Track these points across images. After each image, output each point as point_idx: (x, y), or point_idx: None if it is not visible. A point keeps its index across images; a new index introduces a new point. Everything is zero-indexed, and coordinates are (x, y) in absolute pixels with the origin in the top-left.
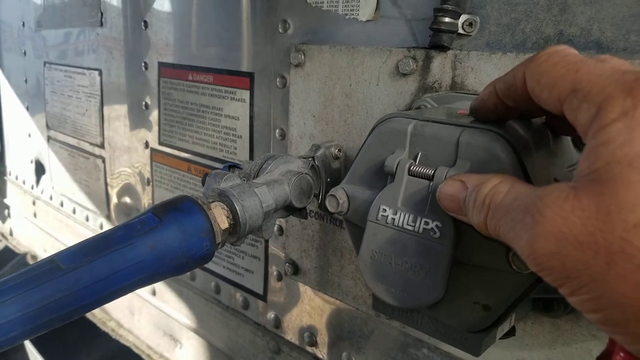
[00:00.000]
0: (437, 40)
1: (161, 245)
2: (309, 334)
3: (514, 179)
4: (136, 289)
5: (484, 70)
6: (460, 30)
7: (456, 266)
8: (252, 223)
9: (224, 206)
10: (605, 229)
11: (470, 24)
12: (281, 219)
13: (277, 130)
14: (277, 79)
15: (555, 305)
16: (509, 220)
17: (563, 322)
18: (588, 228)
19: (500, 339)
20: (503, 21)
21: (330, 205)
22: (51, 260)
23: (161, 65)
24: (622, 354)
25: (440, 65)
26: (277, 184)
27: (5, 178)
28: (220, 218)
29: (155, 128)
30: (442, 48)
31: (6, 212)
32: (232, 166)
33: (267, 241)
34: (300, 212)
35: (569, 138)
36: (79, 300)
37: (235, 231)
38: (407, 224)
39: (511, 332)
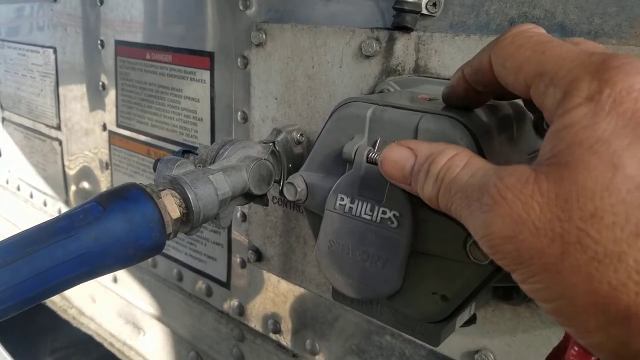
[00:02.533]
0: (400, 21)
1: (105, 236)
2: (273, 322)
3: (469, 152)
4: (81, 282)
5: (447, 53)
6: (424, 11)
7: (414, 256)
8: (206, 212)
9: (176, 194)
10: (563, 217)
11: (434, 4)
12: (244, 206)
13: (239, 113)
14: (238, 59)
15: (515, 293)
16: (464, 198)
17: (523, 309)
18: (546, 214)
19: (461, 327)
20: (467, 1)
21: (288, 194)
22: None
23: (118, 43)
24: (576, 348)
25: (404, 47)
26: (234, 170)
27: None
28: (172, 207)
29: (113, 109)
30: (406, 29)
31: None
32: (187, 152)
33: (229, 228)
34: (261, 199)
35: (530, 124)
36: (17, 295)
37: (189, 220)
38: (365, 213)
39: (472, 320)
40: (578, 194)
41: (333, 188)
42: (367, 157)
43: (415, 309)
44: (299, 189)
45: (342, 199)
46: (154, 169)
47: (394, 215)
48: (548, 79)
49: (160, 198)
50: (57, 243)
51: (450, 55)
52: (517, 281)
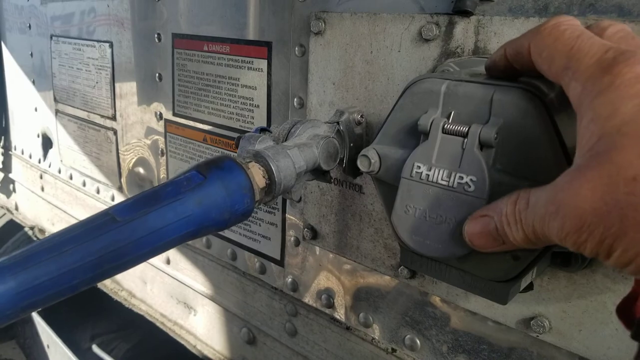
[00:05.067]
0: (460, 6)
1: (207, 200)
2: (327, 296)
3: (526, 188)
4: (184, 241)
5: (506, 35)
6: None
7: None
8: (286, 183)
9: (260, 166)
10: (611, 190)
11: None
12: None
13: (296, 99)
14: (296, 48)
15: (573, 260)
16: (539, 219)
17: (579, 276)
18: (597, 194)
19: (520, 292)
20: None
21: (362, 165)
22: (106, 213)
23: (175, 36)
24: None
25: (463, 31)
26: (306, 147)
27: (10, 153)
28: (258, 177)
29: (170, 99)
30: (466, 13)
31: (11, 186)
32: (264, 129)
33: (284, 208)
34: (325, 176)
35: None
36: (134, 250)
37: (271, 190)
38: (442, 179)
39: (530, 287)
40: (618, 168)
41: (409, 157)
42: (443, 128)
43: (487, 270)
44: (372, 161)
45: (419, 167)
46: (236, 145)
47: (470, 179)
48: (572, 72)
49: (249, 169)
50: (167, 206)
51: (510, 36)
52: (603, 260)
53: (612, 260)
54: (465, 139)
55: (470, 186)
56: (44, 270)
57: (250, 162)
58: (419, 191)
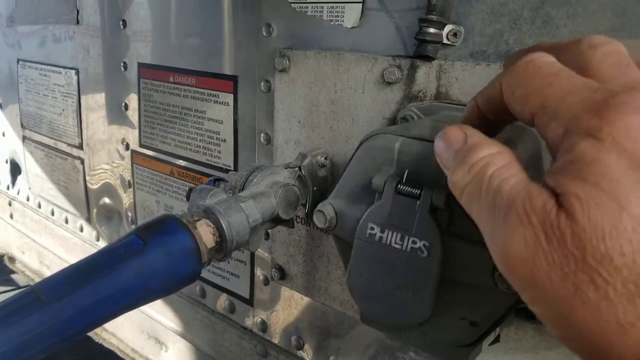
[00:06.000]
0: (422, 50)
1: (146, 269)
2: (296, 337)
3: (512, 155)
4: (122, 314)
5: (468, 81)
6: (445, 40)
7: (443, 284)
8: (239, 239)
9: (210, 223)
10: (578, 256)
11: (455, 34)
12: None
13: (262, 135)
14: (262, 83)
15: None
16: (491, 204)
17: (545, 327)
18: (563, 250)
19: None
20: (487, 32)
21: (318, 221)
22: (32, 291)
23: (141, 65)
24: None
25: (425, 75)
26: (263, 196)
27: None
28: (207, 236)
29: (136, 130)
30: (427, 58)
31: None
32: (218, 180)
33: None
34: (287, 222)
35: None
36: (63, 331)
37: (222, 248)
38: (395, 243)
39: (496, 340)
40: (591, 233)
41: (363, 217)
42: (397, 189)
43: (444, 335)
44: (328, 217)
45: (373, 228)
46: (187, 198)
47: (423, 245)
48: (551, 112)
49: (196, 228)
50: (100, 279)
51: (471, 82)
52: (526, 301)
53: (538, 311)
54: (418, 202)
55: (423, 251)
56: None
57: (198, 220)
58: (373, 254)
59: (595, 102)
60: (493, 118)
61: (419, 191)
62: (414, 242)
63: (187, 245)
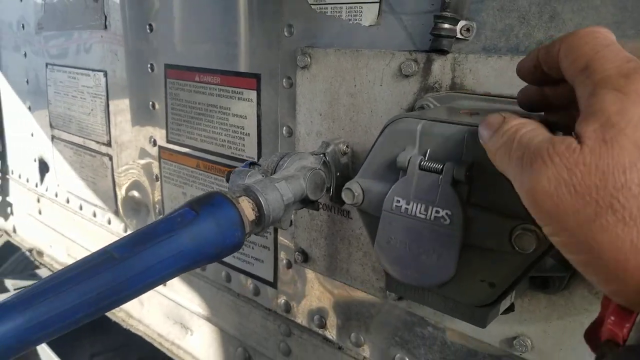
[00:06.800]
0: (437, 45)
1: (199, 236)
2: (319, 317)
3: (539, 124)
4: (178, 275)
5: (481, 72)
6: (459, 35)
7: (464, 249)
8: (274, 215)
9: (250, 200)
10: (600, 185)
11: (468, 30)
12: None
13: (285, 128)
14: (284, 80)
15: (551, 282)
16: (520, 156)
17: (557, 298)
18: (586, 181)
19: (501, 314)
20: (498, 27)
21: (346, 198)
22: (105, 251)
23: (167, 67)
24: (612, 318)
25: (441, 67)
26: (294, 179)
27: (8, 177)
28: (248, 211)
29: (163, 127)
30: (442, 52)
31: (9, 209)
32: (253, 163)
33: (275, 232)
34: (313, 205)
35: None
36: (131, 286)
37: (260, 222)
38: (420, 213)
39: (510, 308)
40: (613, 168)
41: (389, 192)
42: (420, 165)
43: (466, 296)
44: (356, 194)
45: (398, 201)
46: (227, 179)
47: (446, 213)
48: (589, 72)
49: (239, 203)
50: (161, 242)
51: (484, 73)
52: (547, 233)
53: (559, 241)
54: (440, 176)
55: (446, 220)
56: (49, 307)
57: (240, 196)
58: (400, 224)
59: (627, 69)
60: (547, 70)
61: (441, 166)
62: (437, 212)
63: (233, 217)
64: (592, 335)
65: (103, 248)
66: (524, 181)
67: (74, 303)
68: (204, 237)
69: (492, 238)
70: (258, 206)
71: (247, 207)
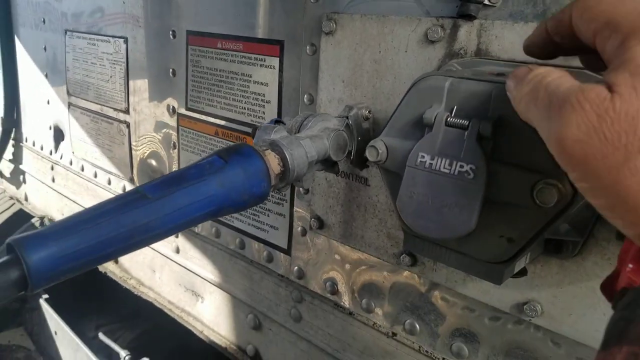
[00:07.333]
0: (464, 10)
1: (228, 182)
2: (331, 284)
3: (567, 72)
4: (206, 220)
5: (507, 38)
6: (486, 1)
7: (485, 204)
8: (298, 170)
9: (276, 154)
10: (630, 131)
11: None
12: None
13: (306, 95)
14: (307, 47)
15: (565, 247)
16: (547, 104)
17: (570, 263)
18: (615, 127)
19: (513, 277)
20: None
21: (370, 155)
22: (137, 191)
23: (189, 33)
24: (630, 265)
25: (467, 33)
26: (317, 138)
27: (21, 144)
28: (274, 163)
29: (183, 94)
30: (469, 17)
31: (21, 177)
32: (278, 121)
33: (292, 199)
34: (333, 168)
35: None
36: (162, 225)
37: (285, 176)
38: (444, 168)
39: (523, 272)
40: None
41: (414, 147)
42: (446, 121)
43: (483, 252)
44: (380, 151)
45: (423, 157)
46: (253, 135)
47: (470, 168)
48: (613, 27)
49: (266, 156)
50: (192, 186)
51: (509, 40)
52: (575, 179)
53: (586, 187)
54: (466, 132)
55: (470, 174)
56: (82, 238)
57: (266, 149)
58: (423, 178)
59: None
60: (559, 41)
61: (467, 122)
62: (461, 167)
63: (260, 167)
64: (608, 287)
65: (134, 188)
66: (551, 128)
67: (107, 237)
68: (232, 184)
69: (514, 192)
70: (283, 160)
71: (272, 160)
